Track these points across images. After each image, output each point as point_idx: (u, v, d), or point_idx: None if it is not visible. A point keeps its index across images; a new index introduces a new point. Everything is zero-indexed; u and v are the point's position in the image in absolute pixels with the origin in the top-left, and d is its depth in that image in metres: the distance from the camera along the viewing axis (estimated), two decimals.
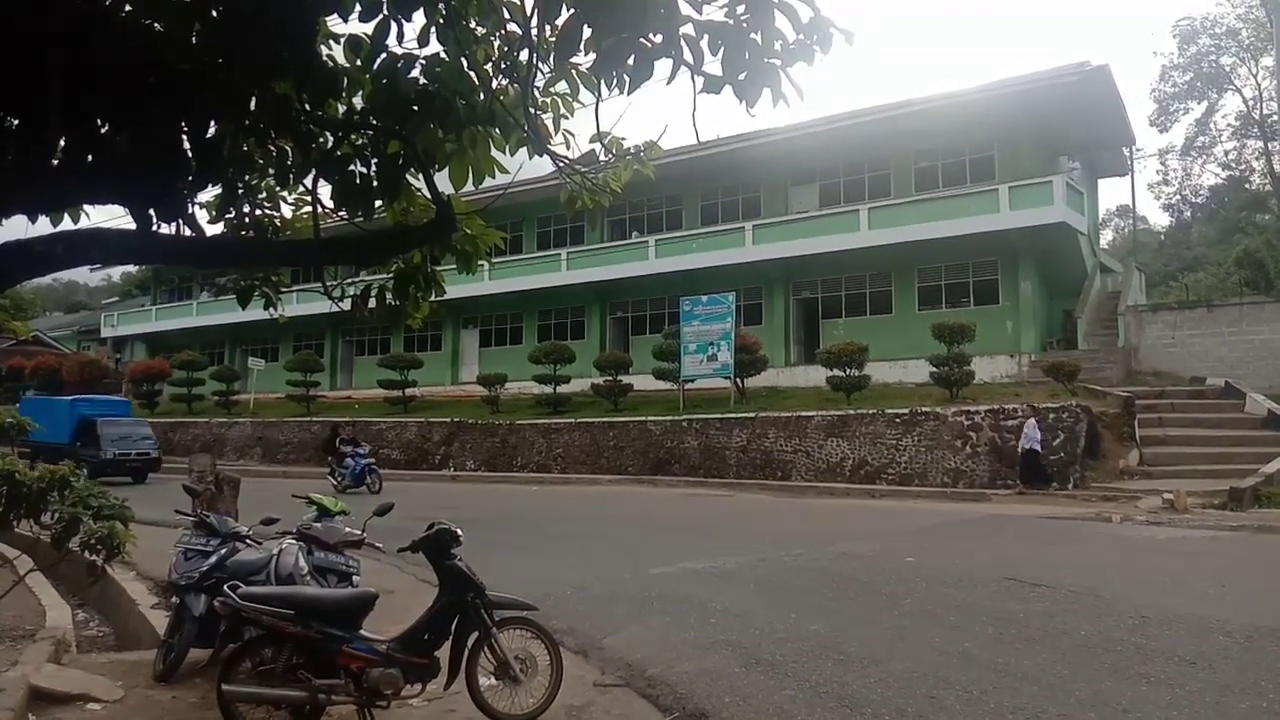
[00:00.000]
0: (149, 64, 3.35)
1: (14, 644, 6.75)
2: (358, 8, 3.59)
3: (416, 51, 3.99)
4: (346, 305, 5.26)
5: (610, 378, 27.16)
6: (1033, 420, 18.04)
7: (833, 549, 11.18)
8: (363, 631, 5.11)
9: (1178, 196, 54.32)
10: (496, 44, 4.43)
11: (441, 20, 3.83)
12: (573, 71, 4.25)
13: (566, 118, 4.78)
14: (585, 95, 4.47)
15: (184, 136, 3.63)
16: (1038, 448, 17.79)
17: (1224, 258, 40.57)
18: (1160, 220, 60.84)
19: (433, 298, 5.19)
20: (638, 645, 6.97)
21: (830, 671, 6.13)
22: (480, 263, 5.07)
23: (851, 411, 21.37)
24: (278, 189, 5.09)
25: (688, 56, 3.35)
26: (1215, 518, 13.36)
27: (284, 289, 5.53)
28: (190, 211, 4.12)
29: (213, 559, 6.30)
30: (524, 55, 4.22)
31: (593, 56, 3.41)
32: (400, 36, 3.77)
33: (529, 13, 3.94)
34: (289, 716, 5.01)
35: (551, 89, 4.64)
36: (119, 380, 44.05)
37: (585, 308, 34.41)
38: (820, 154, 29.09)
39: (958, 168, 27.91)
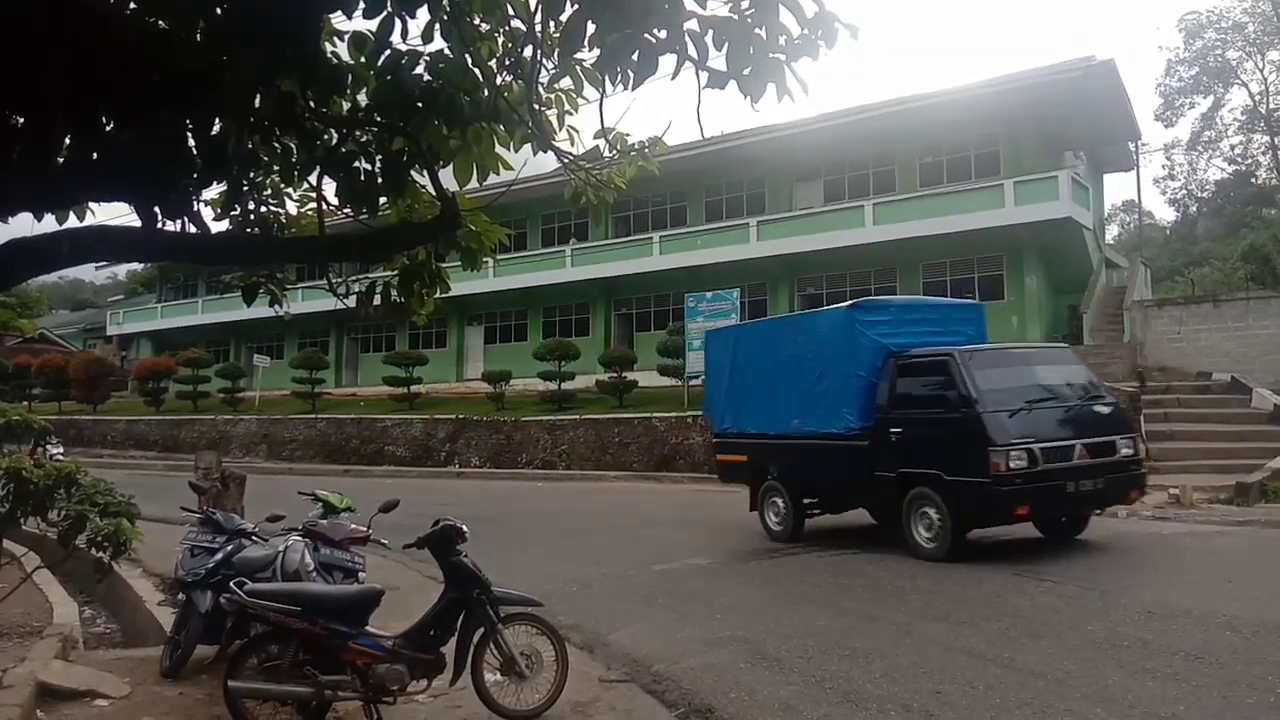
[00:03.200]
0: (154, 62, 3.35)
1: (22, 640, 6.78)
2: (362, 5, 3.58)
3: (421, 48, 3.99)
4: (352, 302, 5.27)
5: (615, 374, 27.14)
6: None
7: (838, 544, 11.17)
8: (368, 628, 5.12)
9: (1184, 191, 54.28)
10: (500, 40, 4.44)
11: (445, 17, 3.82)
12: (577, 67, 4.25)
13: (571, 114, 4.78)
14: (589, 91, 4.48)
15: (189, 134, 3.63)
16: None
17: (1230, 252, 40.41)
18: (1166, 215, 60.70)
19: (437, 294, 5.21)
20: (643, 641, 6.98)
21: (836, 667, 6.14)
22: (485, 259, 5.08)
23: None
24: (283, 186, 5.10)
25: (692, 52, 3.34)
26: (1221, 513, 13.30)
27: (289, 286, 5.54)
28: (195, 209, 4.12)
29: (219, 556, 6.32)
30: (528, 51, 4.23)
31: (597, 52, 3.41)
32: (404, 33, 3.77)
33: (533, 9, 3.94)
34: (295, 713, 5.03)
35: (556, 85, 4.64)
36: (124, 378, 44.16)
37: (590, 304, 34.38)
38: (824, 150, 29.01)
39: (962, 163, 27.84)
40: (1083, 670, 5.89)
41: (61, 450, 21.98)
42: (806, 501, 11.80)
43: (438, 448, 27.72)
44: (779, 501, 11.93)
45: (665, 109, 7.13)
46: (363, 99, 4.35)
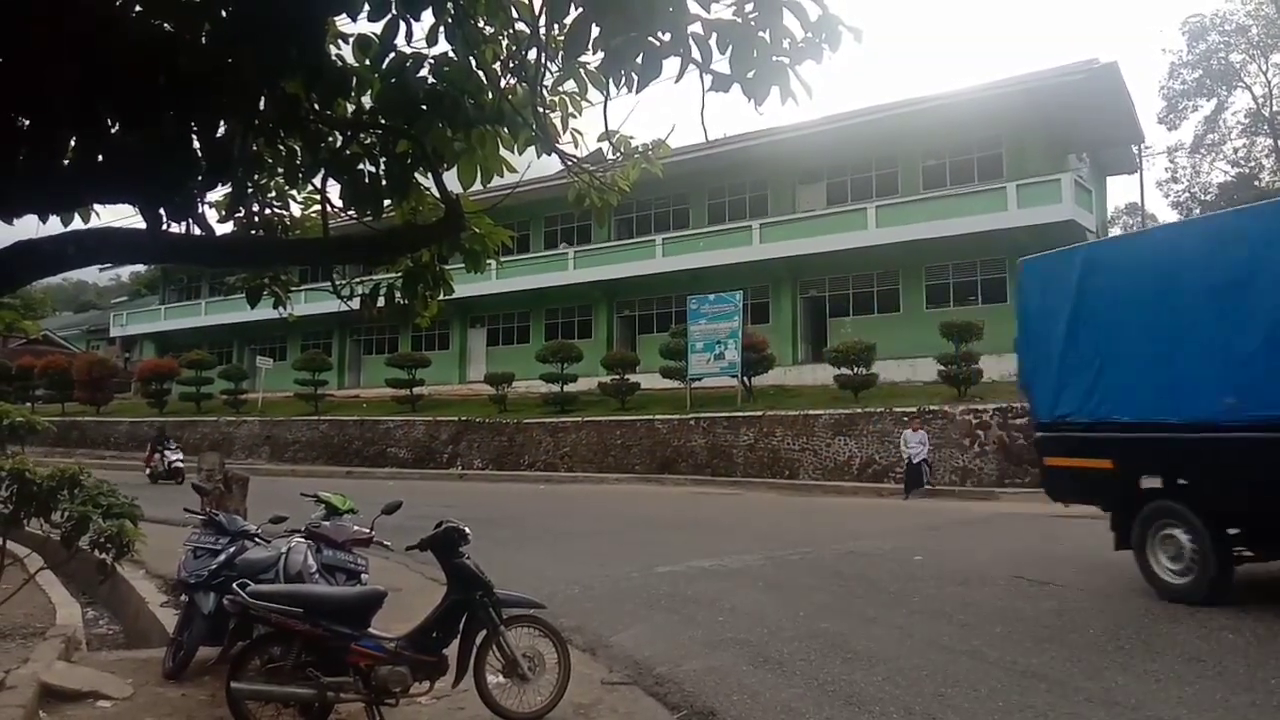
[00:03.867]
0: (158, 64, 3.36)
1: (25, 642, 6.78)
2: (366, 7, 3.59)
3: (425, 51, 4.00)
4: (355, 304, 5.28)
5: (617, 376, 27.17)
6: (908, 432, 18.81)
7: (840, 547, 11.17)
8: (371, 629, 5.12)
9: (1187, 194, 54.08)
10: (505, 43, 4.44)
11: (450, 19, 3.83)
12: (581, 70, 4.25)
13: (574, 116, 4.78)
14: (593, 94, 4.48)
15: (194, 136, 3.64)
16: (915, 458, 18.49)
17: None
18: (1169, 218, 60.59)
19: (441, 297, 5.21)
20: (645, 643, 6.98)
21: (838, 670, 6.13)
22: (488, 261, 5.08)
23: (859, 410, 21.34)
24: (287, 188, 5.10)
25: (696, 55, 3.35)
26: None
27: (293, 288, 5.55)
28: (200, 211, 4.13)
29: (222, 557, 6.32)
30: (532, 54, 4.24)
31: (601, 55, 3.41)
32: (409, 36, 3.78)
33: (537, 11, 3.95)
34: (298, 714, 5.03)
35: (559, 88, 4.64)
36: (127, 379, 44.21)
37: (592, 306, 34.43)
38: (828, 152, 29.05)
39: (965, 166, 27.85)
40: (1085, 672, 5.88)
41: (181, 455, 21.10)
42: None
43: (440, 449, 27.75)
44: (1182, 537, 7.66)
45: (669, 111, 7.15)
46: (367, 101, 4.36)
